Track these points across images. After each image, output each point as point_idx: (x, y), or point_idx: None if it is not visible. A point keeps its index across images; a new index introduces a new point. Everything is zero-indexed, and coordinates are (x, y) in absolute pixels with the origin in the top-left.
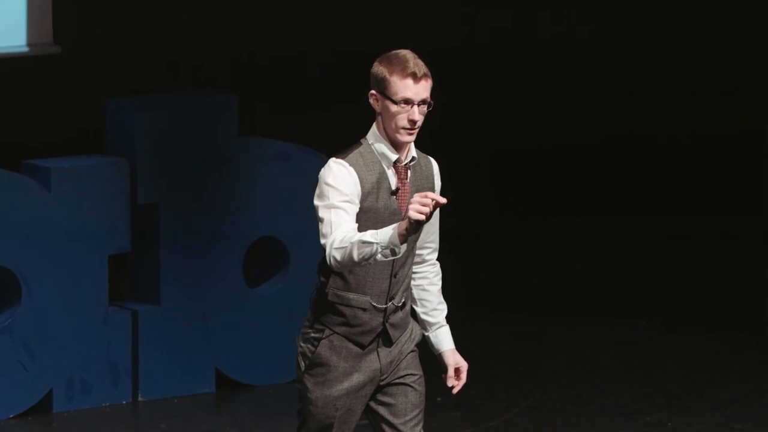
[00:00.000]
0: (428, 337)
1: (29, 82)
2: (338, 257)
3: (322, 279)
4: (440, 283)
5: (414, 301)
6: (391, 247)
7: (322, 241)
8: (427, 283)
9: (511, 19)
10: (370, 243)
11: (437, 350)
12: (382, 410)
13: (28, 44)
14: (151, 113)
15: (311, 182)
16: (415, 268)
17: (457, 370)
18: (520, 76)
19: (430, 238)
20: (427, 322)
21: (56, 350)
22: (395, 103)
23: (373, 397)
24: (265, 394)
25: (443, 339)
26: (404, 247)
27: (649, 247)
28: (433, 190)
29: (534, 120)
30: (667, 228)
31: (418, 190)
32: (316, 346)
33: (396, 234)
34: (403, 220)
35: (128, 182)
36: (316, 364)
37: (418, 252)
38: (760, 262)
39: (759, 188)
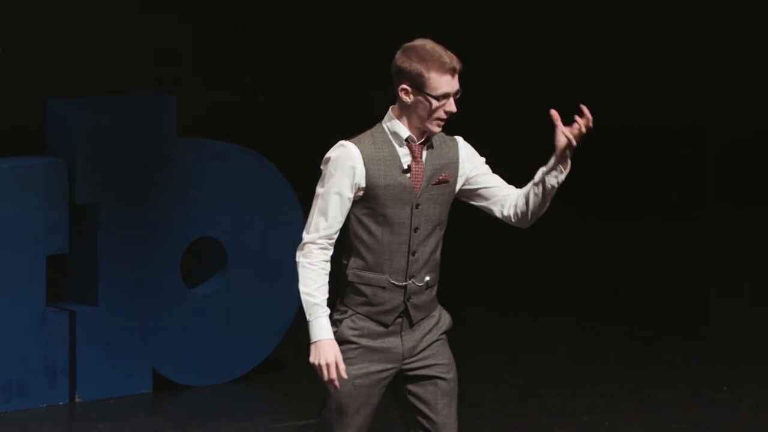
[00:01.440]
0: (443, 312)
1: None
2: (298, 267)
3: (343, 261)
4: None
5: (518, 207)
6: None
7: (304, 231)
8: (524, 191)
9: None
10: (304, 301)
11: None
12: (414, 401)
13: None
14: (91, 113)
15: (250, 182)
16: (507, 204)
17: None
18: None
19: (502, 192)
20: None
21: None
22: (436, 98)
23: (401, 386)
24: (203, 394)
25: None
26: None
27: (588, 246)
28: (456, 170)
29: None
30: (606, 226)
31: (435, 171)
32: (338, 327)
33: (317, 335)
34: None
35: (67, 183)
36: (339, 343)
37: (498, 206)
38: (698, 262)
39: (698, 187)
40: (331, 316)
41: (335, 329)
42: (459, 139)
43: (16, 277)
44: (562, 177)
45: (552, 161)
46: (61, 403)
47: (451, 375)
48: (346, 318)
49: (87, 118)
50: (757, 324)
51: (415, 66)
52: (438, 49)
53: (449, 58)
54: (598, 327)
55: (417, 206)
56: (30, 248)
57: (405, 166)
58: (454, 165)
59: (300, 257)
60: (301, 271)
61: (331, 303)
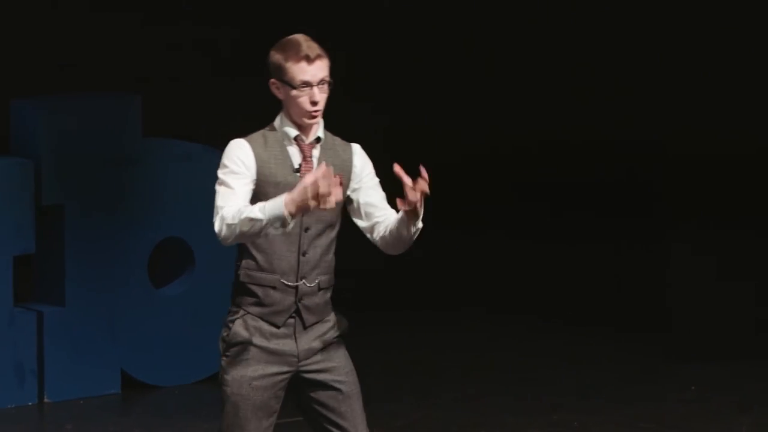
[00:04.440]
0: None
1: None
2: (226, 234)
3: (236, 261)
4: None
5: (384, 237)
6: (280, 219)
7: (215, 221)
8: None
9: None
10: (259, 219)
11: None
12: (319, 408)
13: None
14: (56, 114)
15: (215, 182)
16: (377, 229)
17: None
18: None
19: (378, 213)
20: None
21: None
22: (294, 87)
23: (305, 396)
24: (171, 394)
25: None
26: (292, 224)
27: (555, 246)
28: (349, 174)
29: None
30: (572, 227)
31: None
32: (232, 328)
33: (283, 207)
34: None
35: (33, 183)
36: (232, 344)
37: (370, 229)
38: (664, 262)
39: (659, 190)
40: (226, 318)
41: (228, 329)
42: (356, 146)
43: None
44: (415, 228)
45: (402, 214)
46: (29, 404)
47: (351, 377)
48: (238, 318)
49: (52, 119)
50: (725, 324)
51: (276, 58)
52: (300, 39)
53: (307, 47)
54: (565, 327)
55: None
56: None
57: (296, 166)
58: (347, 169)
59: (221, 234)
60: (231, 231)
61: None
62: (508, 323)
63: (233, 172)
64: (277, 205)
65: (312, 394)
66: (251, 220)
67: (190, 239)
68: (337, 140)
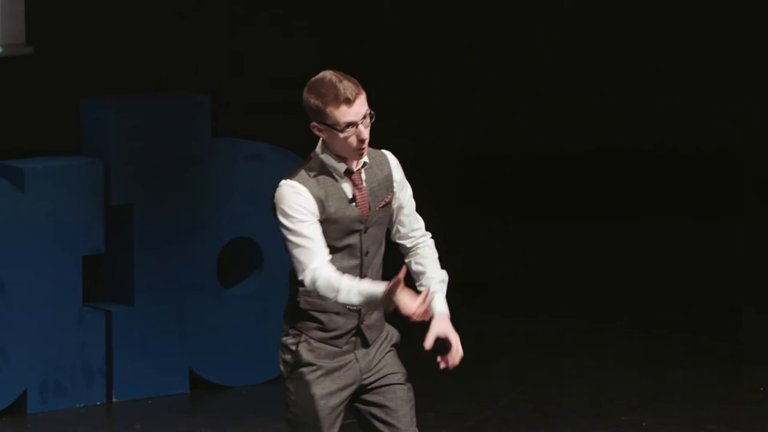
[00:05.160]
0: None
1: (2, 83)
2: (319, 290)
3: (294, 287)
4: (435, 254)
5: (413, 274)
6: (371, 305)
7: (300, 274)
8: (420, 257)
9: None
10: (352, 300)
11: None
12: (375, 411)
13: (2, 45)
14: (125, 114)
15: None
16: (409, 250)
17: (446, 341)
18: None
19: (413, 226)
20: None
21: (30, 351)
22: (340, 131)
23: (359, 400)
24: (240, 394)
25: (434, 302)
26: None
27: (623, 248)
28: (391, 185)
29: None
30: (642, 229)
31: (377, 194)
32: (294, 351)
33: (378, 302)
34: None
35: (102, 183)
36: (297, 366)
37: (406, 239)
38: (732, 263)
39: (731, 191)
40: (284, 342)
41: (291, 354)
42: (389, 156)
43: (53, 277)
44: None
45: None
46: (98, 403)
47: (408, 384)
48: (301, 342)
49: (122, 119)
50: None
51: (314, 103)
52: (333, 80)
53: (343, 89)
54: (633, 328)
55: (365, 231)
56: (66, 248)
57: (350, 196)
58: (389, 182)
59: (312, 283)
60: (322, 292)
61: (278, 330)
62: (577, 325)
63: (301, 221)
64: (372, 298)
65: (369, 397)
66: (345, 305)
67: (259, 239)
68: (373, 153)
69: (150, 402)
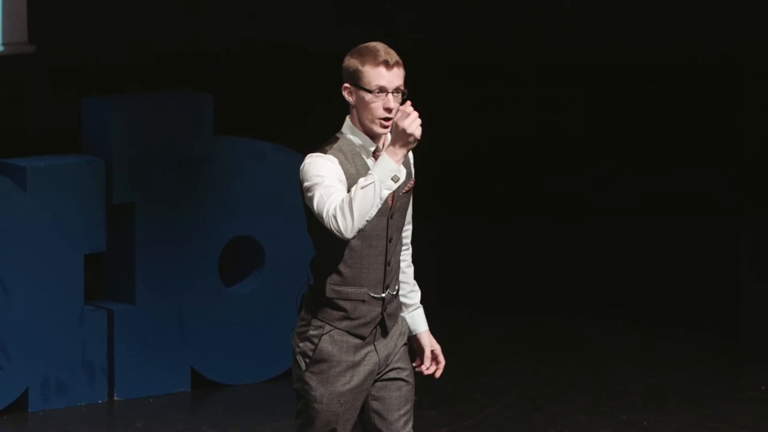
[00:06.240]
0: (404, 318)
1: (4, 81)
2: (342, 222)
3: (318, 276)
4: (412, 267)
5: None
6: (392, 174)
7: (324, 218)
8: (405, 265)
9: None
10: (369, 184)
11: (413, 332)
12: (374, 404)
13: (3, 43)
14: (127, 112)
15: (287, 181)
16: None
17: (433, 353)
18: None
19: (406, 225)
20: (405, 303)
21: (32, 349)
22: (370, 92)
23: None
24: (241, 393)
25: (419, 320)
26: (404, 171)
27: (624, 246)
28: (411, 173)
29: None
30: (642, 227)
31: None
32: (317, 344)
33: (389, 159)
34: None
35: (104, 181)
36: (318, 360)
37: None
38: (734, 261)
39: (734, 186)
40: (303, 332)
41: (312, 345)
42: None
43: (54, 275)
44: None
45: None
46: (99, 402)
47: (413, 381)
48: (325, 334)
49: (123, 117)
50: None
51: (353, 62)
52: (379, 46)
53: (386, 53)
54: (633, 327)
55: (392, 217)
56: (68, 247)
57: None
58: (410, 169)
59: (333, 224)
60: (344, 214)
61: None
62: (578, 323)
63: (328, 178)
64: (382, 162)
65: (371, 390)
66: (362, 188)
67: (260, 237)
68: None
69: (151, 400)
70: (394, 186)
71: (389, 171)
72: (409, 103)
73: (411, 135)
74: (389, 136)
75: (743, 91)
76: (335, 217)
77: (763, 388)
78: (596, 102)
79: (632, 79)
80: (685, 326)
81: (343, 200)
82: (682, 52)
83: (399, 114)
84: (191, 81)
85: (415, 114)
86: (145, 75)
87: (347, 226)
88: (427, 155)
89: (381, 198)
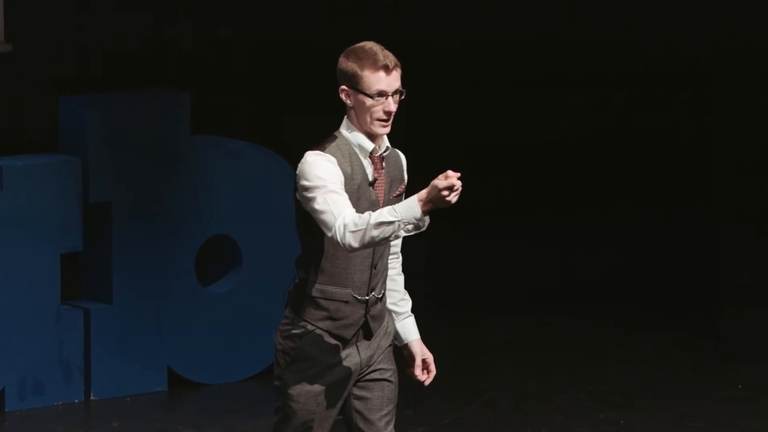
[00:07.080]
0: (391, 320)
1: None
2: (354, 243)
3: (302, 275)
4: (403, 275)
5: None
6: (414, 222)
7: (329, 232)
8: (396, 273)
9: None
10: (391, 222)
11: (404, 340)
12: (357, 404)
13: None
14: (104, 111)
15: (263, 180)
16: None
17: (424, 362)
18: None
19: None
20: (395, 312)
21: (8, 349)
22: (370, 96)
23: (350, 392)
24: (218, 392)
25: (410, 329)
26: (427, 220)
27: (600, 246)
28: (403, 178)
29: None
30: (618, 226)
31: (392, 181)
32: (297, 343)
33: (417, 208)
34: (387, 204)
35: (81, 180)
36: (298, 359)
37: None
38: (711, 261)
39: (710, 187)
40: (286, 330)
41: (293, 344)
42: (402, 155)
43: (31, 275)
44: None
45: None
46: (76, 401)
47: (396, 381)
48: (306, 334)
49: (100, 116)
50: None
51: (350, 66)
52: (375, 48)
53: (383, 56)
54: (611, 327)
55: None
56: (44, 246)
57: (371, 179)
58: (402, 175)
59: (347, 243)
60: (360, 239)
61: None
62: (556, 322)
63: (331, 182)
64: (410, 207)
65: (356, 391)
66: (381, 224)
67: (237, 237)
68: (392, 147)
69: (128, 400)
70: (413, 232)
71: (413, 217)
72: (458, 175)
73: (447, 203)
74: (385, 136)
75: (718, 96)
76: (350, 233)
77: (740, 387)
78: (582, 106)
79: (607, 83)
80: (663, 326)
81: (361, 219)
82: (672, 56)
83: (445, 182)
84: (168, 80)
85: (459, 187)
86: (121, 74)
87: (355, 245)
88: (417, 158)
89: (396, 236)
